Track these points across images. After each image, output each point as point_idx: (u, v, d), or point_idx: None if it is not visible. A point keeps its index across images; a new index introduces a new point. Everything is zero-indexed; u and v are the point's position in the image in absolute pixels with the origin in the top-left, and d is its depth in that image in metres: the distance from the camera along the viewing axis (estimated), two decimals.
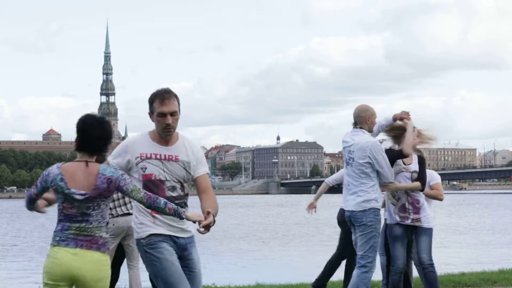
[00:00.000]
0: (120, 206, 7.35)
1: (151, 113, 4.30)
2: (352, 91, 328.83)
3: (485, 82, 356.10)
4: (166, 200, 4.06)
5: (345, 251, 7.93)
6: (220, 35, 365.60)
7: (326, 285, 8.11)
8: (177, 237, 4.25)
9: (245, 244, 25.63)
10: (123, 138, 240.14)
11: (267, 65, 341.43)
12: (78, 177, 4.01)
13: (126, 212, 7.25)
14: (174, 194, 4.25)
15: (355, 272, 6.17)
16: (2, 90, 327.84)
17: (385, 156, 6.17)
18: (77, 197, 4.00)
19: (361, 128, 6.33)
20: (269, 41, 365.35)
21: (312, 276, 8.63)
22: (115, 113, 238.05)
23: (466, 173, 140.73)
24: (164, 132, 4.26)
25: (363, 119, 6.35)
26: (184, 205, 4.31)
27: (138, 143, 4.31)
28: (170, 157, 4.27)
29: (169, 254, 4.18)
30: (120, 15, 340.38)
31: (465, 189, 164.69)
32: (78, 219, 4.02)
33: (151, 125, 4.41)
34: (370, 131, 6.36)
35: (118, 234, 7.21)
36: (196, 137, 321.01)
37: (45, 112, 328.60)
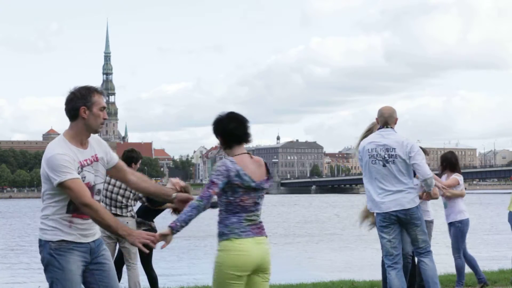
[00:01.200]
0: (110, 206, 7.47)
1: (85, 108, 4.16)
2: (352, 91, 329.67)
3: (484, 82, 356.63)
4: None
5: None
6: (220, 35, 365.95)
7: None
8: (88, 242, 4.14)
9: None
10: (123, 138, 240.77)
11: (267, 65, 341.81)
12: (253, 169, 4.23)
13: (118, 214, 7.43)
14: (97, 198, 4.18)
15: (428, 259, 6.39)
16: (2, 90, 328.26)
17: (423, 154, 6.37)
18: (259, 187, 4.22)
19: (392, 128, 6.46)
20: (269, 41, 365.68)
21: (312, 276, 8.62)
22: (115, 113, 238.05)
23: (466, 173, 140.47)
24: (101, 127, 4.22)
25: (394, 120, 6.50)
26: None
27: (70, 152, 4.09)
28: (95, 158, 4.18)
29: (77, 265, 4.08)
30: (120, 15, 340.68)
31: (465, 189, 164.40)
32: (251, 209, 4.22)
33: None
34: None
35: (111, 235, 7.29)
36: (196, 137, 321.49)
37: (45, 112, 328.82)
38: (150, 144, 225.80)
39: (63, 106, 4.29)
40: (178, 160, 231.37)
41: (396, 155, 6.24)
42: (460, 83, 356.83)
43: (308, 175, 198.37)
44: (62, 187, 3.98)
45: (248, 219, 4.20)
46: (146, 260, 7.87)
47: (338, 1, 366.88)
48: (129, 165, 7.35)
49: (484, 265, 13.51)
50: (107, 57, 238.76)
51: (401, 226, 6.36)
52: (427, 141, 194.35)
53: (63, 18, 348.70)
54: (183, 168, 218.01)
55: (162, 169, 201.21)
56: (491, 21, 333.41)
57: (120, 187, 7.47)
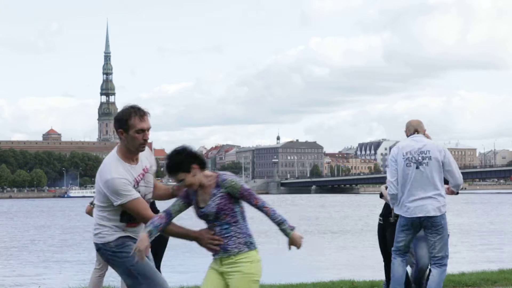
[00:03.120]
0: None
1: (122, 131, 4.40)
2: (352, 91, 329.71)
3: (484, 82, 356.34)
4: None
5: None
6: (220, 36, 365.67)
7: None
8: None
9: None
10: None
11: (267, 65, 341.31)
12: None
13: None
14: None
15: (437, 271, 6.40)
16: (2, 90, 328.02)
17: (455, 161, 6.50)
18: None
19: (423, 135, 6.61)
20: (268, 42, 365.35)
21: (312, 276, 8.63)
22: (115, 113, 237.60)
23: (466, 173, 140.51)
24: (140, 148, 4.41)
25: (423, 131, 6.64)
26: None
27: (126, 173, 4.36)
28: (146, 170, 4.49)
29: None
30: (120, 15, 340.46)
31: (465, 189, 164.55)
32: None
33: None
34: None
35: None
36: (196, 137, 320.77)
37: (45, 112, 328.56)
38: (150, 144, 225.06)
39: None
40: None
41: (430, 157, 6.34)
42: (459, 83, 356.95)
43: (308, 175, 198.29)
44: (123, 206, 4.28)
45: None
46: (158, 258, 7.81)
47: (337, 1, 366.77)
48: None
49: (484, 265, 13.52)
50: (107, 57, 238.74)
51: (423, 230, 6.47)
52: None
53: (63, 18, 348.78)
54: None
55: (162, 169, 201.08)
56: (491, 21, 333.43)
57: None
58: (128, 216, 4.36)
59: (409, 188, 6.36)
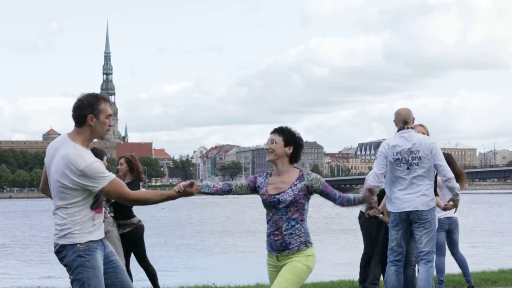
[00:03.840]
0: None
1: (92, 116, 4.28)
2: (351, 91, 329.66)
3: (484, 82, 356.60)
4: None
5: (370, 246, 8.17)
6: (220, 36, 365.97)
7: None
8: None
9: (245, 243, 25.62)
10: (123, 138, 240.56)
11: (266, 65, 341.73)
12: None
13: None
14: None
15: (423, 268, 6.40)
16: (2, 90, 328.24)
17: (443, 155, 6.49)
18: None
19: (412, 128, 6.57)
20: (268, 42, 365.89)
21: (312, 276, 8.60)
22: (115, 113, 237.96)
23: (466, 173, 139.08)
24: (105, 134, 4.42)
25: (411, 120, 6.60)
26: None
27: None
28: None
29: (101, 262, 4.32)
30: (120, 15, 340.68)
31: (465, 189, 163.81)
32: None
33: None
34: None
35: None
36: (196, 137, 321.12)
37: (45, 112, 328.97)
38: (150, 144, 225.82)
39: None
40: (178, 160, 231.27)
41: (419, 156, 6.38)
42: (459, 83, 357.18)
43: None
44: (102, 192, 4.21)
45: None
46: (141, 256, 7.80)
47: (337, 1, 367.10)
48: None
49: (484, 265, 13.51)
50: (107, 57, 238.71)
51: (411, 225, 6.46)
52: None
53: (63, 18, 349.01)
54: (183, 168, 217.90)
55: (162, 169, 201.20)
56: (491, 21, 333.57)
57: None
58: (95, 201, 4.29)
59: (399, 187, 6.42)
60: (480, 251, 21.78)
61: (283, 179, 4.54)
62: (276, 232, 4.53)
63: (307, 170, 4.63)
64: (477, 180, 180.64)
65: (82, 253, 4.22)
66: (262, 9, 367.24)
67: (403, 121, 6.55)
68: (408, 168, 6.40)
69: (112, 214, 7.63)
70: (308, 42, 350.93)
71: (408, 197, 6.38)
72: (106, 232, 7.45)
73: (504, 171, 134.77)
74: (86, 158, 4.17)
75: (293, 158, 4.57)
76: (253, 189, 4.59)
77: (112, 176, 4.22)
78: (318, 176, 4.56)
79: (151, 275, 7.93)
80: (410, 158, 6.39)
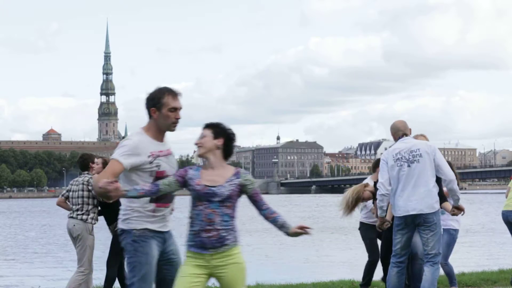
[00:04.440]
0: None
1: (155, 109, 4.46)
2: (351, 91, 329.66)
3: (484, 82, 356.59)
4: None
5: (375, 254, 8.20)
6: (219, 36, 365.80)
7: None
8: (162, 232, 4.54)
9: (245, 242, 25.62)
10: (123, 138, 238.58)
11: (266, 66, 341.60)
12: None
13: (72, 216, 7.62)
14: None
15: (430, 270, 6.41)
16: (2, 90, 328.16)
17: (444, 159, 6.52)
18: None
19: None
20: (268, 42, 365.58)
21: (312, 276, 8.62)
22: (115, 113, 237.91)
23: (466, 173, 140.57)
24: (172, 127, 4.49)
25: (409, 130, 6.69)
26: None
27: (145, 142, 4.45)
28: (169, 152, 4.56)
29: (156, 252, 4.49)
30: (120, 15, 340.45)
31: (465, 189, 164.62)
32: None
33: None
34: None
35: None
36: (196, 137, 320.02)
37: (45, 112, 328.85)
38: None
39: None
40: (178, 160, 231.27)
41: (420, 154, 6.41)
42: (459, 83, 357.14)
43: (308, 175, 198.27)
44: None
45: None
46: (116, 259, 7.62)
47: (337, 2, 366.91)
48: (87, 168, 7.64)
49: (484, 265, 13.52)
50: (107, 57, 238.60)
51: (416, 228, 6.48)
52: None
53: (63, 18, 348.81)
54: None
55: None
56: (490, 21, 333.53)
57: (82, 189, 7.61)
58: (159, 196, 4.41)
59: (401, 188, 6.43)
60: (480, 251, 21.78)
61: (219, 172, 4.34)
62: (209, 228, 4.27)
63: (243, 170, 4.47)
64: (477, 180, 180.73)
65: (137, 239, 4.40)
66: (262, 9, 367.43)
67: (402, 132, 6.64)
68: (409, 166, 6.40)
69: (95, 222, 7.65)
70: (308, 42, 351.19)
71: (411, 200, 6.37)
72: (78, 235, 7.54)
73: (504, 171, 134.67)
74: (130, 136, 4.49)
75: (226, 152, 4.37)
76: (183, 183, 4.34)
77: (117, 157, 4.35)
78: (254, 179, 4.42)
79: (109, 279, 7.74)
80: (410, 156, 6.42)
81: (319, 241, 26.17)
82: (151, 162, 4.41)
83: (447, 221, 7.64)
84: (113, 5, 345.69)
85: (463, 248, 22.06)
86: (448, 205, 6.93)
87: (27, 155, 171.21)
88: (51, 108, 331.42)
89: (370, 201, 7.88)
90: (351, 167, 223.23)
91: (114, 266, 7.67)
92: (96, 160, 7.73)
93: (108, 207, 7.51)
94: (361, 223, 8.41)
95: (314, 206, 68.62)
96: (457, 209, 6.65)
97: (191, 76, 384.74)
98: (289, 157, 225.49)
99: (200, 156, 4.39)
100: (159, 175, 4.42)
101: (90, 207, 7.57)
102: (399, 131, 6.65)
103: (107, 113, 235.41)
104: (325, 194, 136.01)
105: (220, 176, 4.32)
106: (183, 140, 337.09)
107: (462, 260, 17.05)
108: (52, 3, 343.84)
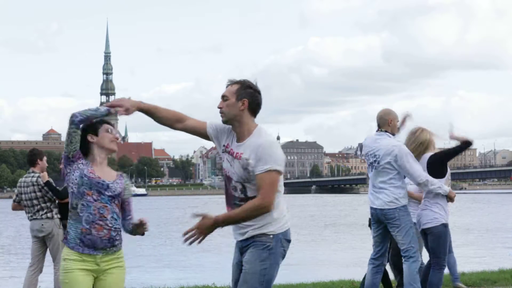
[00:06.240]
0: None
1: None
2: (351, 91, 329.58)
3: (484, 82, 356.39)
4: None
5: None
6: (219, 36, 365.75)
7: None
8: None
9: None
10: (123, 138, 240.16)
11: (266, 66, 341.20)
12: None
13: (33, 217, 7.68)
14: (235, 194, 4.03)
15: (406, 266, 6.43)
16: (2, 90, 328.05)
17: (410, 159, 6.35)
18: None
19: (385, 131, 6.56)
20: (267, 42, 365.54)
21: (312, 276, 8.61)
22: (115, 113, 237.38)
23: (466, 173, 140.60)
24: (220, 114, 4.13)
25: (386, 122, 6.57)
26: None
27: (227, 129, 4.13)
28: (237, 155, 4.02)
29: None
30: (120, 15, 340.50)
31: (465, 189, 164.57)
32: None
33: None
34: (392, 133, 6.58)
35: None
36: (196, 137, 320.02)
37: (45, 112, 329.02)
38: (150, 144, 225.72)
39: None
40: (178, 160, 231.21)
41: (379, 161, 6.43)
42: (459, 83, 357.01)
43: (308, 175, 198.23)
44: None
45: None
46: None
47: (336, 2, 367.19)
48: (34, 164, 7.66)
49: (484, 265, 13.52)
50: (107, 57, 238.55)
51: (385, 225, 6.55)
52: None
53: (63, 18, 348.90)
54: (183, 168, 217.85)
55: (162, 169, 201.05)
56: (490, 21, 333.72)
57: (33, 190, 7.61)
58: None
59: (369, 184, 6.60)
60: (480, 250, 21.78)
61: (107, 170, 4.11)
62: (100, 223, 3.95)
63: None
64: (477, 180, 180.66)
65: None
66: (261, 9, 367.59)
67: (377, 124, 6.72)
68: (371, 169, 6.61)
69: (59, 216, 7.68)
70: (307, 42, 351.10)
71: (374, 195, 6.55)
72: (49, 234, 7.56)
73: (504, 171, 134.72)
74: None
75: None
76: (75, 157, 4.03)
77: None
78: (132, 189, 4.27)
79: None
80: (373, 160, 6.61)
81: (320, 240, 26.18)
82: (222, 152, 4.14)
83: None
84: (113, 5, 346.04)
85: (463, 248, 22.07)
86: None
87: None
88: (51, 108, 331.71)
89: None
90: (351, 167, 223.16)
91: None
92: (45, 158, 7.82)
93: (65, 204, 7.60)
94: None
95: (319, 205, 68.61)
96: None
97: (191, 76, 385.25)
98: (289, 157, 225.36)
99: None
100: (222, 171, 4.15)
101: (49, 203, 7.64)
102: (378, 121, 6.69)
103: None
104: (325, 194, 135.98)
105: (110, 174, 4.11)
106: (183, 140, 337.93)
107: (462, 260, 17.05)
108: (52, 3, 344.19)
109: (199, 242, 3.86)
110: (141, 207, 63.55)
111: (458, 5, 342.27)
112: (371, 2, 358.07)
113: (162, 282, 11.40)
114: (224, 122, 4.10)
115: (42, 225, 7.60)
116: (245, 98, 4.02)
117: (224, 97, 4.07)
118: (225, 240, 27.18)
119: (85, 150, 4.11)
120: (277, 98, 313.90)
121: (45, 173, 7.69)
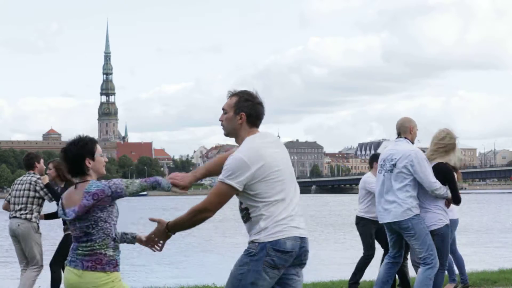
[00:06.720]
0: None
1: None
2: (351, 91, 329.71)
3: (484, 82, 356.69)
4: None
5: (372, 249, 8.29)
6: (219, 36, 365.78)
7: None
8: None
9: (244, 242, 25.54)
10: (123, 138, 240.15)
11: (266, 66, 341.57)
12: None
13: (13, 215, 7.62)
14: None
15: (420, 270, 6.48)
16: (2, 90, 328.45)
17: (426, 165, 6.40)
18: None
19: (405, 138, 6.63)
20: (267, 42, 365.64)
21: (312, 276, 8.62)
22: (115, 113, 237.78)
23: (466, 173, 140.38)
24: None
25: (407, 130, 6.65)
26: (246, 218, 4.15)
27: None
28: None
29: None
30: (120, 15, 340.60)
31: (465, 189, 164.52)
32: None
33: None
34: (412, 141, 6.65)
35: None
36: (196, 137, 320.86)
37: (45, 112, 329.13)
38: (150, 144, 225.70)
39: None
40: (178, 160, 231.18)
41: (395, 164, 6.46)
42: (459, 83, 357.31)
43: (308, 175, 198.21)
44: None
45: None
46: (62, 261, 7.40)
47: (336, 2, 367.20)
48: (32, 167, 7.61)
49: (484, 265, 13.51)
50: (107, 57, 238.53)
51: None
52: (426, 142, 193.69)
53: (63, 18, 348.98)
54: (183, 168, 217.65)
55: (162, 169, 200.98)
56: (490, 21, 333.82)
57: (28, 189, 7.61)
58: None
59: (378, 194, 6.59)
60: (480, 250, 21.78)
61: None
62: None
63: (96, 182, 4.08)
64: (477, 180, 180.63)
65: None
66: (261, 9, 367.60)
67: (397, 132, 6.74)
68: (384, 175, 6.66)
69: (39, 221, 7.67)
70: (307, 42, 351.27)
71: (385, 208, 6.57)
72: (22, 236, 7.51)
73: (504, 171, 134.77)
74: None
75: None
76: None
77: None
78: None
79: (55, 280, 7.74)
80: (388, 165, 6.62)
81: (320, 240, 26.17)
82: None
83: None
84: (113, 5, 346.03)
85: (463, 248, 22.08)
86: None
87: None
88: (51, 108, 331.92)
89: (372, 194, 7.85)
90: (351, 167, 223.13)
91: (59, 267, 7.61)
92: (49, 165, 7.74)
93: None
94: (360, 218, 8.32)
95: (319, 205, 68.62)
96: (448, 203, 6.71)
97: (191, 76, 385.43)
98: None
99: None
100: None
101: (34, 206, 7.61)
102: (398, 129, 6.72)
103: (107, 113, 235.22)
104: (325, 194, 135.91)
105: None
106: (183, 140, 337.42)
107: None
108: (52, 3, 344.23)
109: (160, 249, 4.10)
110: (141, 207, 63.53)
111: (458, 5, 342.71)
112: (371, 2, 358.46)
113: (162, 282, 11.40)
114: (225, 135, 4.18)
115: (18, 225, 7.56)
116: (243, 112, 4.06)
117: (223, 110, 4.15)
118: (225, 240, 27.20)
119: (82, 174, 4.10)
120: (277, 98, 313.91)
121: (46, 176, 7.66)
